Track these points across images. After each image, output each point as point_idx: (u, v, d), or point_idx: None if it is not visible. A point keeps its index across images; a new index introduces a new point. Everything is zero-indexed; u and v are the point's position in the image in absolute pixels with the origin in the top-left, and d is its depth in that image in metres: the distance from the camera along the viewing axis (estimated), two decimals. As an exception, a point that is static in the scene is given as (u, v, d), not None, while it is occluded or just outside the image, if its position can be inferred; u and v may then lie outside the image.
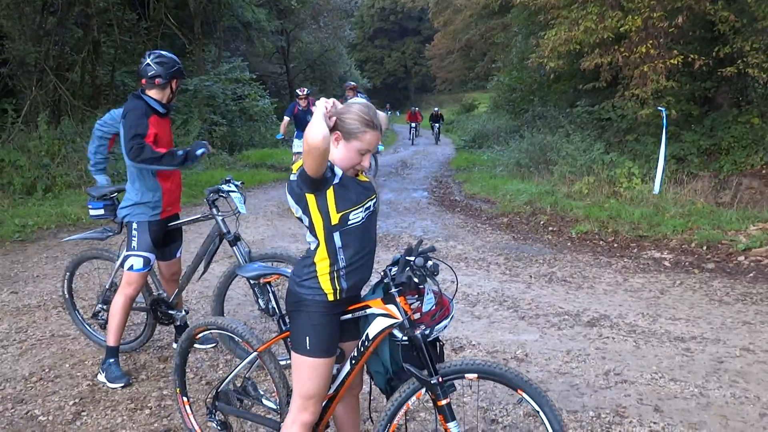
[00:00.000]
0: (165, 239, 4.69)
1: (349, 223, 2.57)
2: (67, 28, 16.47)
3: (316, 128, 2.31)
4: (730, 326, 5.45)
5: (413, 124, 32.42)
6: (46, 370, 4.71)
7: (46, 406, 4.16)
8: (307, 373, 2.67)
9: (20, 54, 14.62)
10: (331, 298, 2.63)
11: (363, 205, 2.61)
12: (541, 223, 9.92)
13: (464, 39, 31.21)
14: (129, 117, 4.28)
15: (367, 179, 2.72)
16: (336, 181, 2.55)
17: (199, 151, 4.40)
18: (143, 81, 4.42)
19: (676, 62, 10.54)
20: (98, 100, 16.64)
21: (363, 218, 2.61)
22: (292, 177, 2.58)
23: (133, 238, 4.46)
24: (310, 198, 2.55)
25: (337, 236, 2.57)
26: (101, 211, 4.82)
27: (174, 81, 4.50)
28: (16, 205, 10.75)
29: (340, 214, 2.55)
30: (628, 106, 12.21)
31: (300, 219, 2.63)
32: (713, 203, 10.11)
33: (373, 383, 2.98)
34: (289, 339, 2.79)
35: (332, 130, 2.55)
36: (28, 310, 6.06)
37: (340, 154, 2.58)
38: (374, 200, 2.69)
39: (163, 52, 4.53)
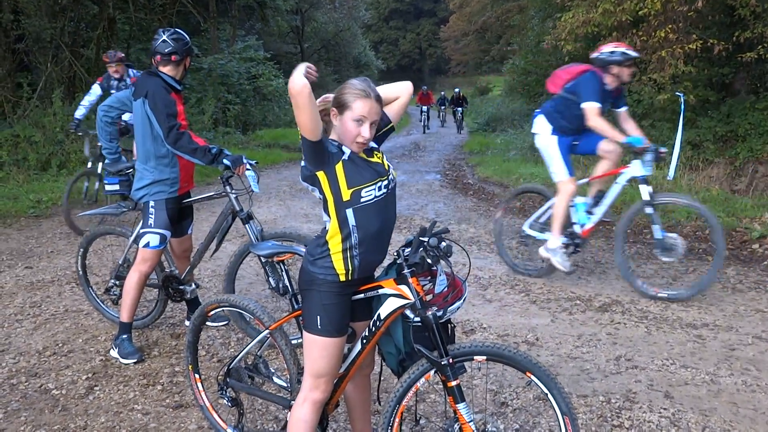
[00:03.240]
0: (178, 216, 4.71)
1: (362, 200, 2.57)
2: (83, 5, 16.44)
3: (296, 77, 2.39)
4: (743, 314, 5.42)
5: (424, 108, 27.92)
6: (60, 345, 4.77)
7: (59, 380, 4.21)
8: (318, 351, 2.68)
9: (36, 30, 14.62)
10: (342, 278, 2.64)
11: (375, 184, 2.60)
12: (554, 207, 9.86)
13: (480, 21, 30.90)
14: (156, 97, 4.26)
15: (380, 161, 2.71)
16: (345, 157, 2.57)
17: (227, 161, 4.39)
18: (158, 58, 4.42)
19: (695, 47, 10.40)
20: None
21: (377, 196, 2.60)
22: (302, 163, 2.59)
23: (150, 216, 4.47)
24: (321, 176, 2.56)
25: (350, 213, 2.57)
26: (117, 187, 4.86)
27: (187, 58, 4.51)
28: (31, 180, 10.82)
29: (351, 190, 2.55)
30: (645, 91, 12.08)
31: (320, 199, 2.65)
32: (728, 190, 10.02)
33: (384, 364, 2.98)
34: (301, 318, 2.80)
35: (327, 110, 2.64)
36: (42, 285, 6.12)
37: (340, 129, 2.60)
38: (386, 182, 2.67)
39: (177, 30, 4.53)
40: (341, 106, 2.57)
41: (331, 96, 2.68)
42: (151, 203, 4.48)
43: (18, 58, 14.83)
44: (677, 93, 10.58)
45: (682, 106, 10.13)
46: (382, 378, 3.18)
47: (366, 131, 2.58)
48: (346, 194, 2.55)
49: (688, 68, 10.58)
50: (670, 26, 10.41)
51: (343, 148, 2.60)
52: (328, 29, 40.53)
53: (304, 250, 3.23)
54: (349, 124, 2.56)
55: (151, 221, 4.48)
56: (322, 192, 2.59)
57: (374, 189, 2.60)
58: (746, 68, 12.13)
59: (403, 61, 74.57)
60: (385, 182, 2.66)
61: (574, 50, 12.69)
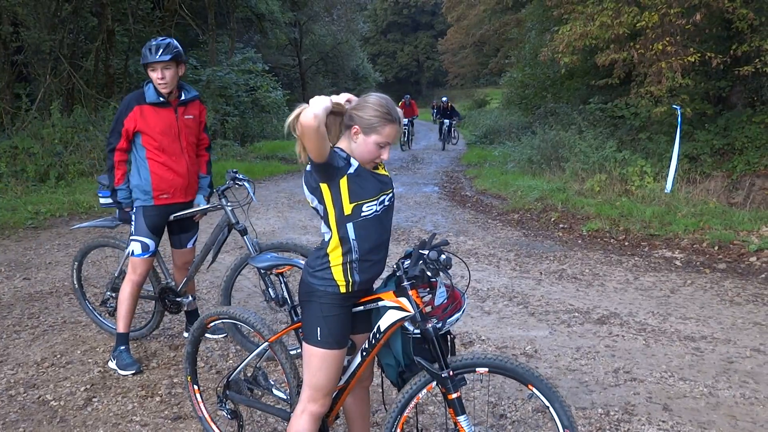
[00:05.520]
0: (176, 228, 4.72)
1: (363, 214, 2.57)
2: (82, 17, 16.53)
3: (312, 108, 2.35)
4: (741, 327, 5.43)
5: (405, 121, 21.54)
6: (58, 356, 4.75)
7: (57, 392, 4.20)
8: (317, 363, 2.68)
9: (35, 41, 14.68)
10: (343, 290, 2.64)
11: (377, 199, 2.61)
12: (552, 220, 9.90)
13: (477, 34, 31.02)
14: (119, 109, 4.45)
15: (386, 173, 2.73)
16: (351, 171, 2.56)
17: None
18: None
19: (693, 60, 10.47)
20: (111, 89, 16.70)
21: (377, 211, 2.61)
22: (308, 168, 2.59)
23: (133, 223, 4.54)
24: (324, 188, 2.55)
25: (350, 227, 2.57)
26: (110, 200, 4.84)
27: (160, 67, 4.35)
28: (29, 192, 10.83)
29: (353, 204, 2.55)
30: (642, 104, 12.14)
31: (315, 209, 2.64)
32: (725, 203, 10.05)
33: (383, 376, 2.98)
34: (300, 329, 2.81)
35: (349, 124, 2.59)
36: (40, 296, 6.11)
37: (360, 147, 2.59)
38: (390, 195, 2.69)
39: (160, 39, 4.43)
40: (368, 127, 2.55)
41: (352, 98, 2.65)
42: (134, 209, 4.56)
43: (17, 70, 14.89)
44: (674, 106, 10.65)
45: (679, 119, 10.17)
46: (383, 388, 3.18)
47: (386, 155, 2.61)
48: (347, 208, 2.56)
49: (685, 81, 10.64)
50: (667, 39, 10.49)
51: (351, 160, 2.59)
52: (326, 42, 40.62)
53: (302, 261, 3.24)
54: (372, 147, 2.57)
55: (133, 228, 4.55)
56: (322, 203, 2.59)
57: (375, 204, 2.60)
58: (743, 82, 12.21)
59: (401, 74, 74.89)
60: (389, 195, 2.68)
61: (572, 63, 12.77)
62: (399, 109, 2.66)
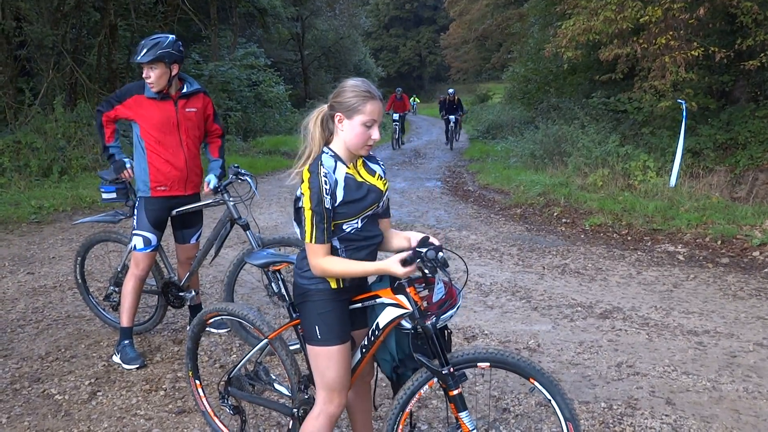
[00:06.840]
0: (179, 223, 4.72)
1: (344, 230, 2.59)
2: (85, 12, 16.52)
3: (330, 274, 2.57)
4: (744, 321, 5.43)
5: (396, 116, 21.34)
6: (62, 350, 4.77)
7: (62, 386, 4.21)
8: (324, 363, 2.65)
9: (38, 36, 14.69)
10: (334, 285, 2.62)
11: (360, 216, 2.61)
12: (555, 214, 9.89)
13: (480, 29, 30.88)
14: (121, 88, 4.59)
15: (380, 181, 2.72)
16: (336, 203, 2.54)
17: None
18: None
19: (696, 54, 10.45)
20: (114, 84, 16.69)
21: (358, 227, 2.61)
22: (298, 194, 2.59)
23: (135, 216, 4.55)
24: (308, 213, 2.54)
25: (335, 241, 2.59)
26: (113, 195, 4.83)
27: (141, 65, 4.34)
28: (33, 186, 10.85)
29: (334, 222, 2.56)
30: (645, 99, 12.12)
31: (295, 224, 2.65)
32: (728, 198, 10.05)
33: (378, 371, 2.98)
34: (302, 333, 2.79)
35: (332, 114, 2.59)
36: (44, 290, 6.13)
37: (348, 134, 2.57)
38: (378, 207, 2.69)
39: (152, 37, 4.38)
40: (350, 110, 2.53)
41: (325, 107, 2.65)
42: (137, 201, 4.57)
43: (20, 65, 14.89)
44: (679, 100, 10.63)
45: (684, 114, 10.14)
46: (377, 384, 3.17)
47: (376, 134, 2.58)
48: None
49: (689, 75, 10.61)
50: (671, 33, 10.46)
51: (337, 193, 2.54)
52: (328, 36, 40.59)
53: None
54: (359, 128, 2.54)
55: (134, 222, 4.55)
56: (302, 225, 2.56)
57: (356, 222, 2.60)
58: (746, 76, 12.18)
59: (403, 69, 74.77)
60: (376, 208, 2.67)
61: (575, 58, 12.75)
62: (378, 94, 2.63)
